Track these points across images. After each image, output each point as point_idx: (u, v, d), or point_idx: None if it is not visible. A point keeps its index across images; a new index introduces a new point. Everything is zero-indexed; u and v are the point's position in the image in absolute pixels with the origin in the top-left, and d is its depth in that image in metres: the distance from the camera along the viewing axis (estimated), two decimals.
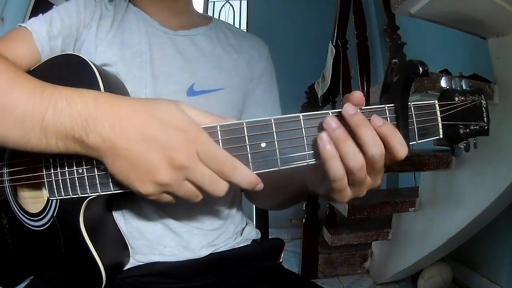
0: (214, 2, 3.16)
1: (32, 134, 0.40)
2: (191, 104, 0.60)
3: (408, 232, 1.73)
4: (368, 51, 1.76)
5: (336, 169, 0.37)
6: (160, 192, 0.39)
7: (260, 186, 0.39)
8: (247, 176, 0.38)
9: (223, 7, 3.16)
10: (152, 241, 0.59)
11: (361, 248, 2.00)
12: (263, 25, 2.82)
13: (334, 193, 0.41)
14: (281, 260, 0.72)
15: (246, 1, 3.13)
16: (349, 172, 0.38)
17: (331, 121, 0.37)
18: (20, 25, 0.57)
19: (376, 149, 0.37)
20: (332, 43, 1.99)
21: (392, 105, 0.40)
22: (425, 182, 1.65)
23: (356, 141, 0.37)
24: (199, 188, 0.39)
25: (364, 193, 0.41)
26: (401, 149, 0.37)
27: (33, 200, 0.54)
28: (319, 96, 2.22)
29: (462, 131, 0.41)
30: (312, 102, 2.26)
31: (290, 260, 2.16)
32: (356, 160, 0.37)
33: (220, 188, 0.39)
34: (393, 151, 0.38)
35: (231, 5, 3.17)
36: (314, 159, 0.39)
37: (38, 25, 0.57)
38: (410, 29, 1.62)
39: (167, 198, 0.41)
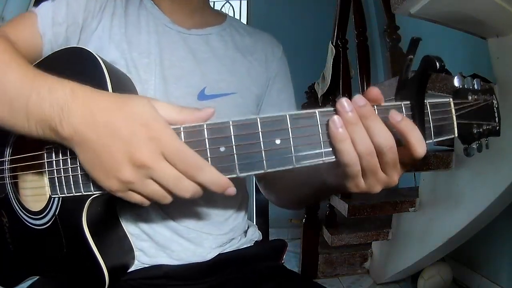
0: (214, 2, 3.16)
1: (19, 117, 0.41)
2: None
3: (408, 232, 1.73)
4: (368, 51, 1.76)
5: (348, 153, 0.37)
6: (125, 189, 0.39)
7: (231, 190, 0.38)
8: (215, 178, 0.37)
9: (223, 7, 3.16)
10: (159, 244, 0.58)
11: (361, 248, 2.00)
12: (263, 25, 2.81)
13: (348, 181, 0.40)
14: (283, 261, 0.72)
15: (246, 1, 3.13)
16: (360, 157, 0.37)
17: (345, 103, 0.36)
18: (30, 9, 0.58)
19: (383, 140, 0.37)
20: (332, 43, 2.00)
21: (408, 102, 0.39)
22: (425, 182, 1.65)
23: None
24: (166, 189, 0.38)
25: (379, 189, 0.41)
26: (419, 147, 0.37)
27: (35, 198, 0.54)
28: (319, 96, 2.22)
29: (475, 131, 0.41)
30: (312, 102, 2.27)
31: (290, 260, 2.16)
32: (365, 144, 0.37)
33: (185, 189, 0.37)
34: (411, 148, 0.37)
35: (231, 5, 3.17)
36: (330, 157, 0.38)
37: (45, 9, 0.57)
38: (410, 29, 1.62)
39: (135, 197, 0.39)
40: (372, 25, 2.72)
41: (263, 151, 0.37)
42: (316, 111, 0.38)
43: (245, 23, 3.21)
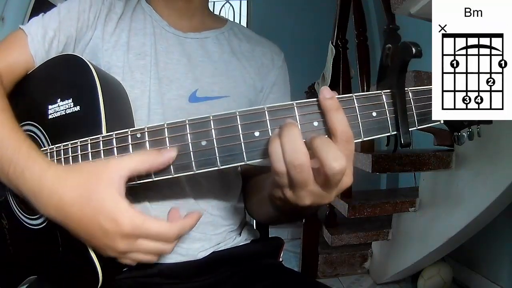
0: (214, 2, 3.16)
1: (2, 177, 0.46)
2: (194, 111, 0.61)
3: (408, 232, 1.72)
4: (368, 51, 1.76)
5: (276, 160, 0.36)
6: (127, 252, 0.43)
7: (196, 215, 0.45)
8: (186, 230, 0.44)
9: (223, 7, 3.16)
10: None
11: (361, 248, 1.99)
12: (263, 25, 2.82)
13: (275, 189, 0.40)
14: (281, 259, 0.72)
15: (246, 1, 3.13)
16: (287, 168, 0.35)
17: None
18: (20, 27, 0.57)
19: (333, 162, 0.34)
20: (332, 43, 1.99)
21: (389, 90, 0.39)
22: (425, 182, 1.65)
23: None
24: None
25: (308, 202, 0.37)
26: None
27: None
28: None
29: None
30: None
31: (290, 260, 2.15)
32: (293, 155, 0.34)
33: (169, 249, 0.44)
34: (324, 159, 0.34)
35: (231, 5, 3.17)
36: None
37: (35, 27, 0.56)
38: (410, 29, 1.62)
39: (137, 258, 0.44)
40: (372, 25, 2.72)
41: (242, 143, 0.39)
42: (294, 103, 0.39)
43: (245, 23, 3.21)
